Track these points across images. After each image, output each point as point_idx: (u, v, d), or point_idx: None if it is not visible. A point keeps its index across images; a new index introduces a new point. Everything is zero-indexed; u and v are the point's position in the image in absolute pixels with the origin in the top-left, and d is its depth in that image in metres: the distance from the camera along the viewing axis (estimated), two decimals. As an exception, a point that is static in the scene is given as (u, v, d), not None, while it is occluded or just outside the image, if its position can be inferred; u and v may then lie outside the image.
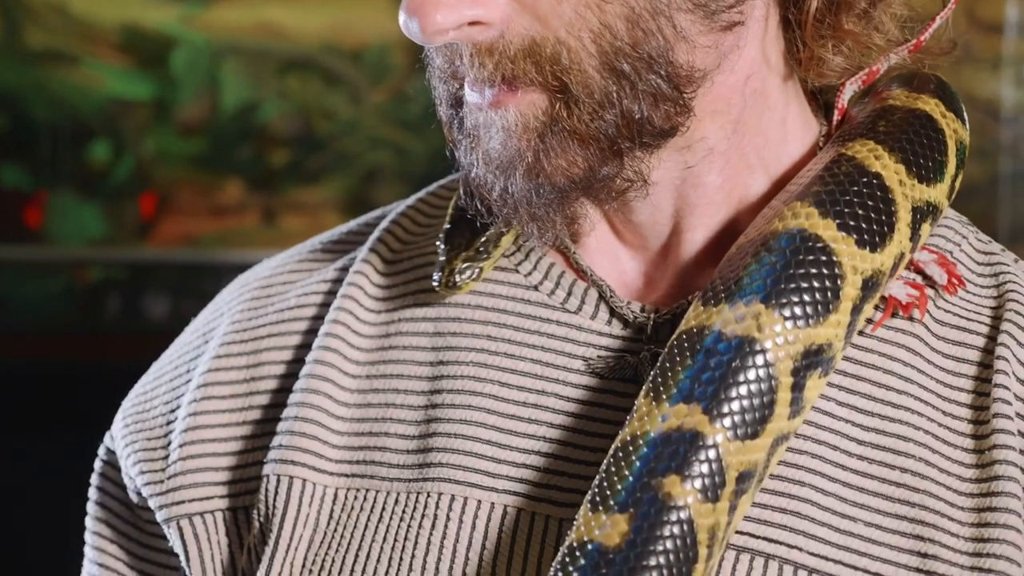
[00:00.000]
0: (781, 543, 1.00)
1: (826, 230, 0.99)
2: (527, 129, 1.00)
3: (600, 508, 0.95)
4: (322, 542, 1.06)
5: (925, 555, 1.00)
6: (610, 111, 0.99)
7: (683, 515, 0.94)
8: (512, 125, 1.00)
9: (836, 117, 1.09)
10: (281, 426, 1.09)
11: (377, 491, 1.06)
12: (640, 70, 0.99)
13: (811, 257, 0.98)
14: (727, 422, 0.96)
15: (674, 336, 1.00)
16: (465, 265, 1.06)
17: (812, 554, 1.00)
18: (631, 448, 0.96)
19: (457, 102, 1.04)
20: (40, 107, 3.95)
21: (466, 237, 1.08)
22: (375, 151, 3.91)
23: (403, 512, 1.05)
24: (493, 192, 1.03)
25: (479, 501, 1.04)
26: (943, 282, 1.05)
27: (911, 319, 1.05)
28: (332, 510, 1.06)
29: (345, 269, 1.15)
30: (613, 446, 0.98)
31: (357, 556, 1.05)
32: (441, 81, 1.04)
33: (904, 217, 1.02)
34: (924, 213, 1.04)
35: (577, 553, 0.94)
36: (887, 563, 1.00)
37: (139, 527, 1.16)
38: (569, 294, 1.08)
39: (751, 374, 0.96)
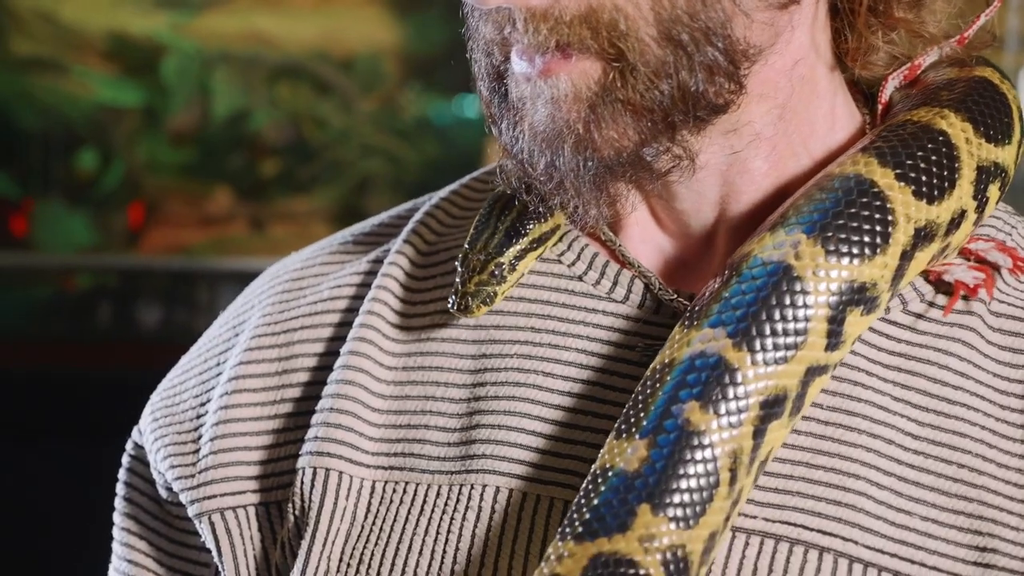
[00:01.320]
0: (836, 536, 0.99)
1: (883, 178, 0.99)
2: (578, 99, 0.98)
3: (624, 435, 0.95)
4: (360, 535, 1.04)
5: (984, 549, 0.99)
6: (666, 82, 0.98)
7: (702, 440, 0.94)
8: (563, 94, 0.98)
9: (880, 110, 1.09)
10: (316, 418, 1.08)
11: (417, 483, 1.04)
12: (698, 41, 0.98)
13: (863, 200, 0.99)
14: (752, 346, 0.96)
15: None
16: (476, 289, 1.04)
17: (867, 547, 0.99)
18: (659, 376, 0.97)
19: (499, 76, 1.02)
20: (27, 115, 3.93)
21: (480, 259, 1.05)
22: (367, 159, 3.89)
23: (445, 504, 1.03)
24: (538, 167, 1.01)
25: (524, 493, 1.02)
26: (1008, 265, 1.05)
27: (979, 300, 1.04)
28: (370, 503, 1.05)
29: (379, 261, 1.13)
30: (644, 374, 0.98)
31: (398, 549, 1.03)
32: (484, 54, 1.03)
33: (968, 175, 1.02)
34: (991, 174, 1.03)
35: (599, 479, 0.95)
36: (944, 557, 0.99)
37: (168, 523, 1.14)
38: (615, 283, 1.06)
39: (784, 299, 0.97)
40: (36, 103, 3.92)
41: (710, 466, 0.95)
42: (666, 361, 0.97)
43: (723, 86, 0.99)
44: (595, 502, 0.94)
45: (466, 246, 1.06)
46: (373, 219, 1.19)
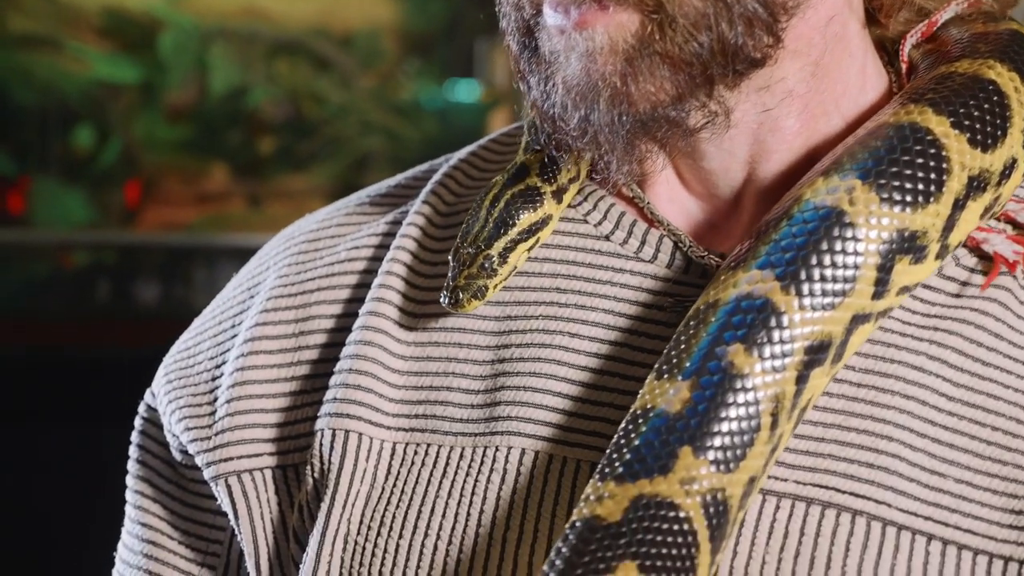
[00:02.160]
0: (869, 498, 0.98)
1: (939, 126, 0.99)
2: (614, 51, 0.97)
3: (666, 376, 0.95)
4: (380, 498, 1.03)
5: (1019, 512, 0.98)
6: (705, 34, 0.97)
7: (745, 384, 0.94)
8: (598, 47, 0.97)
9: (903, 67, 1.08)
10: (334, 379, 1.06)
11: (440, 445, 1.03)
12: None
13: (919, 147, 0.98)
14: (800, 289, 0.95)
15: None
16: (466, 283, 1.02)
17: (901, 510, 0.98)
18: (703, 316, 0.96)
19: (529, 30, 1.01)
20: (24, 92, 3.91)
21: (470, 252, 1.03)
22: (366, 136, 3.88)
23: (468, 466, 1.02)
24: (571, 122, 0.99)
25: (550, 455, 1.01)
26: None
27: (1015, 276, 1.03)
28: (390, 465, 1.03)
29: (396, 223, 1.12)
30: (688, 314, 0.97)
31: (420, 512, 1.02)
32: (514, 7, 1.01)
33: (1018, 123, 1.01)
34: None
35: (640, 420, 0.94)
36: (978, 520, 0.98)
37: (182, 485, 1.13)
38: (643, 243, 1.05)
39: (836, 244, 0.96)
40: (33, 80, 3.91)
41: (752, 410, 0.94)
42: (711, 301, 0.96)
43: (761, 39, 0.98)
44: (636, 443, 0.93)
45: (458, 239, 1.05)
46: (390, 180, 1.17)
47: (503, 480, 1.01)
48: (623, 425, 0.94)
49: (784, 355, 0.95)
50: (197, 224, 3.91)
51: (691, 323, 0.96)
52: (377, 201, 1.15)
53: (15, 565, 3.30)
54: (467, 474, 1.02)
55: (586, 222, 1.06)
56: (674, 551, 0.91)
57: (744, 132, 1.03)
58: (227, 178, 3.93)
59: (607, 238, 1.06)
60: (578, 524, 0.91)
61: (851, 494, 0.97)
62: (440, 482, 1.02)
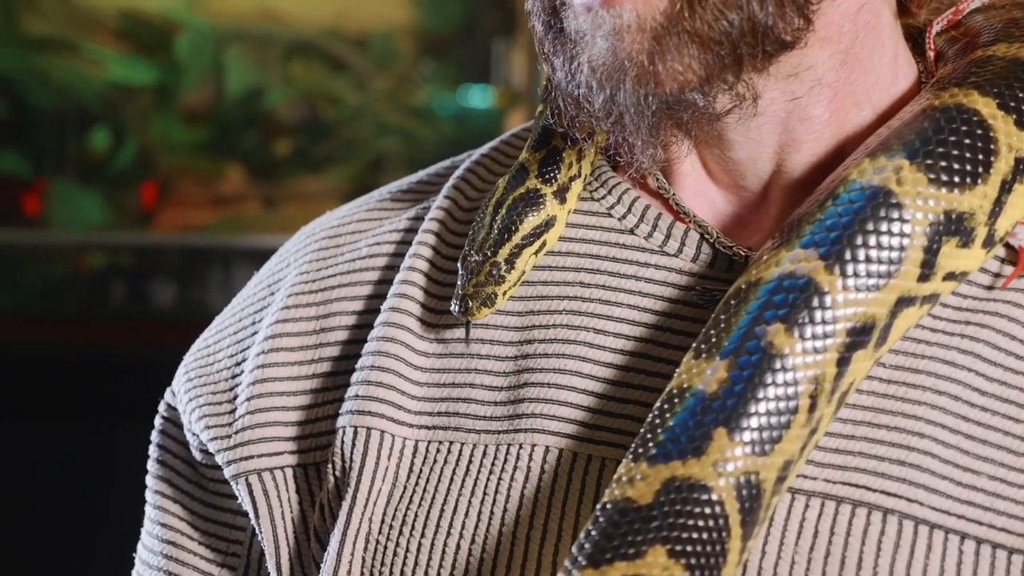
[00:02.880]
0: (900, 497, 0.96)
1: (985, 107, 0.98)
2: (642, 29, 0.96)
3: (704, 355, 0.94)
4: (402, 496, 1.02)
5: None
6: (735, 12, 0.96)
7: (784, 364, 0.92)
8: (625, 25, 0.96)
9: (930, 55, 1.07)
10: (356, 377, 1.05)
11: (463, 443, 1.02)
12: None
13: (966, 128, 0.97)
14: (845, 269, 0.94)
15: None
16: (474, 291, 1.02)
17: (933, 508, 0.96)
18: (744, 295, 0.95)
19: (554, 10, 1.00)
20: (39, 94, 3.91)
21: (477, 260, 1.02)
22: (381, 138, 3.87)
23: (492, 464, 1.01)
24: (595, 102, 0.98)
25: (575, 453, 1.00)
26: None
27: None
28: (412, 463, 1.02)
29: (419, 218, 1.11)
30: (728, 294, 0.96)
31: (443, 511, 1.01)
32: None
33: None
34: None
35: (675, 399, 0.93)
36: (1013, 518, 0.96)
37: (203, 485, 1.12)
38: (667, 236, 1.04)
39: (882, 225, 0.95)
40: (49, 82, 3.91)
41: (790, 391, 0.92)
42: (752, 280, 0.95)
43: (792, 20, 0.97)
44: (670, 423, 0.92)
45: (465, 247, 1.04)
46: (412, 176, 1.16)
47: (527, 478, 1.00)
48: (658, 404, 0.93)
49: (825, 336, 0.93)
50: (213, 225, 3.91)
51: (731, 302, 0.95)
52: (398, 197, 1.14)
53: (29, 563, 3.30)
54: (490, 472, 1.01)
55: (610, 215, 1.05)
56: (705, 535, 0.90)
57: (772, 121, 1.01)
58: (243, 180, 3.93)
59: (631, 232, 1.04)
60: (609, 506, 0.90)
61: (882, 492, 0.96)
62: (463, 480, 1.01)
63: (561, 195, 1.04)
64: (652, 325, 1.01)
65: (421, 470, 1.02)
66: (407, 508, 1.02)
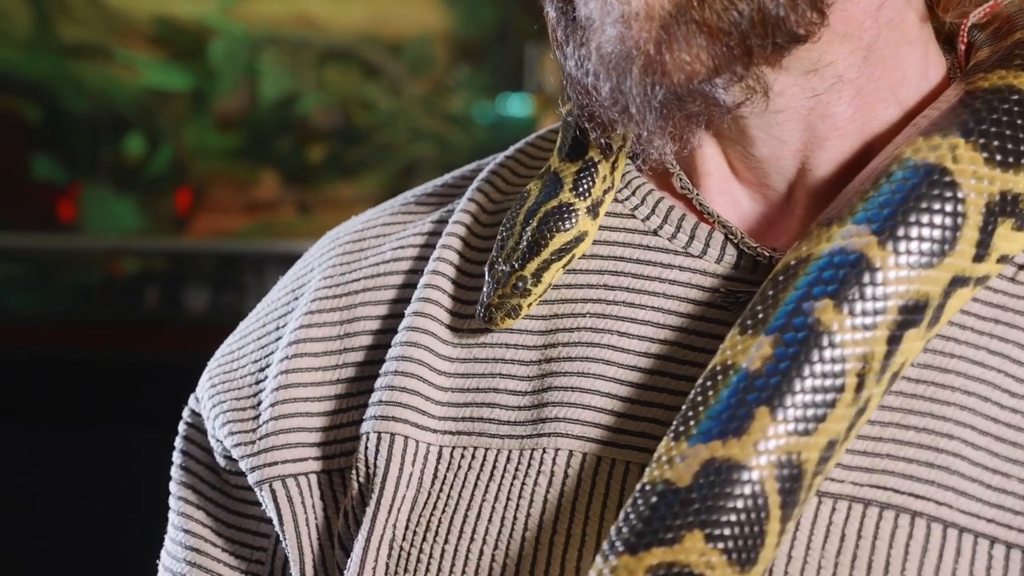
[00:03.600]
0: (928, 499, 0.94)
1: None
2: (650, 17, 0.94)
3: (749, 331, 0.92)
4: (427, 502, 1.01)
5: None
6: (745, 3, 0.94)
7: (832, 341, 0.90)
8: (634, 12, 0.94)
9: (961, 49, 1.05)
10: (380, 382, 1.04)
11: (487, 448, 1.01)
12: None
13: (1018, 108, 0.95)
14: (897, 247, 0.92)
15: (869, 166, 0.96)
16: (500, 302, 1.01)
17: (962, 511, 0.94)
18: (793, 271, 0.93)
19: None
20: (74, 99, 3.92)
21: (504, 270, 1.01)
22: (415, 143, 3.87)
23: (516, 470, 0.99)
24: (602, 90, 0.97)
25: (599, 457, 0.98)
26: None
27: None
28: (437, 469, 1.01)
29: (442, 221, 1.10)
30: (775, 270, 0.94)
31: (466, 516, 1.00)
32: None
33: None
34: None
35: (718, 377, 0.91)
36: None
37: (226, 492, 1.11)
38: (692, 237, 1.02)
39: (936, 203, 0.93)
40: (84, 88, 3.92)
41: (837, 368, 0.90)
42: (803, 256, 0.93)
43: (805, 14, 0.95)
44: (711, 401, 0.90)
45: (493, 253, 1.02)
46: (436, 180, 1.15)
47: (550, 483, 0.98)
48: (700, 381, 0.92)
49: (876, 312, 0.91)
50: (246, 231, 3.92)
51: (779, 278, 0.93)
52: (423, 201, 1.13)
53: (57, 566, 3.30)
54: (514, 477, 0.99)
55: (634, 216, 1.04)
56: (743, 518, 0.88)
57: (793, 118, 1.00)
58: (277, 186, 3.93)
59: (655, 233, 1.03)
60: (647, 488, 0.89)
61: (910, 495, 0.94)
62: (487, 486, 1.00)
63: (594, 210, 1.03)
64: (676, 327, 1.00)
65: (445, 476, 1.01)
66: (431, 514, 1.01)
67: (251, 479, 1.07)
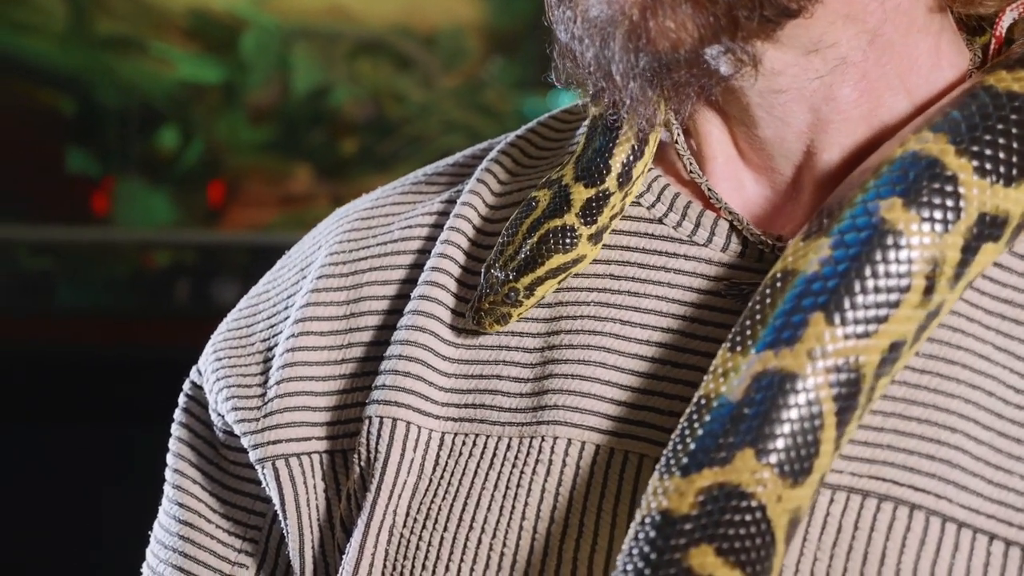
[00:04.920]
0: (928, 492, 0.92)
1: None
2: None
3: (812, 236, 0.89)
4: (427, 489, 1.00)
5: None
6: None
7: (898, 241, 0.87)
8: None
9: (993, 46, 1.02)
10: (384, 365, 1.03)
11: (488, 436, 0.99)
12: None
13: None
14: (984, 164, 0.89)
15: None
16: (490, 308, 1.00)
17: (962, 506, 0.92)
18: (860, 181, 0.90)
19: None
20: (108, 92, 3.93)
21: (498, 277, 1.00)
22: (448, 135, 3.86)
23: (515, 458, 0.98)
24: (587, 55, 0.95)
25: (597, 445, 0.97)
26: None
27: None
28: (438, 455, 1.00)
29: (452, 201, 1.08)
30: (847, 180, 0.92)
31: (465, 504, 0.98)
32: None
33: None
34: None
35: (778, 283, 0.88)
36: None
37: (223, 468, 1.10)
38: (697, 225, 1.00)
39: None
40: (118, 81, 3.93)
41: (902, 268, 0.87)
42: (871, 165, 0.90)
43: None
44: (768, 312, 0.88)
45: (492, 255, 1.01)
46: (447, 159, 1.14)
47: (548, 472, 0.97)
48: (760, 289, 0.91)
49: (950, 219, 0.88)
50: (279, 224, 3.91)
51: (852, 181, 0.91)
52: (433, 180, 1.11)
53: (91, 563, 3.31)
54: (513, 465, 0.98)
55: (640, 204, 1.02)
56: (795, 429, 0.87)
57: (796, 99, 0.98)
58: (311, 179, 3.93)
59: (660, 221, 1.01)
60: (702, 402, 0.88)
61: (910, 487, 0.92)
62: (487, 474, 0.99)
63: (597, 236, 1.01)
64: (680, 316, 0.98)
65: (447, 463, 1.00)
66: (431, 501, 0.99)
67: (253, 456, 1.06)
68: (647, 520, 0.86)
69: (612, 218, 1.01)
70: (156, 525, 1.13)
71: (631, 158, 1.00)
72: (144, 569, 1.13)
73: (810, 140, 0.99)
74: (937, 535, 0.92)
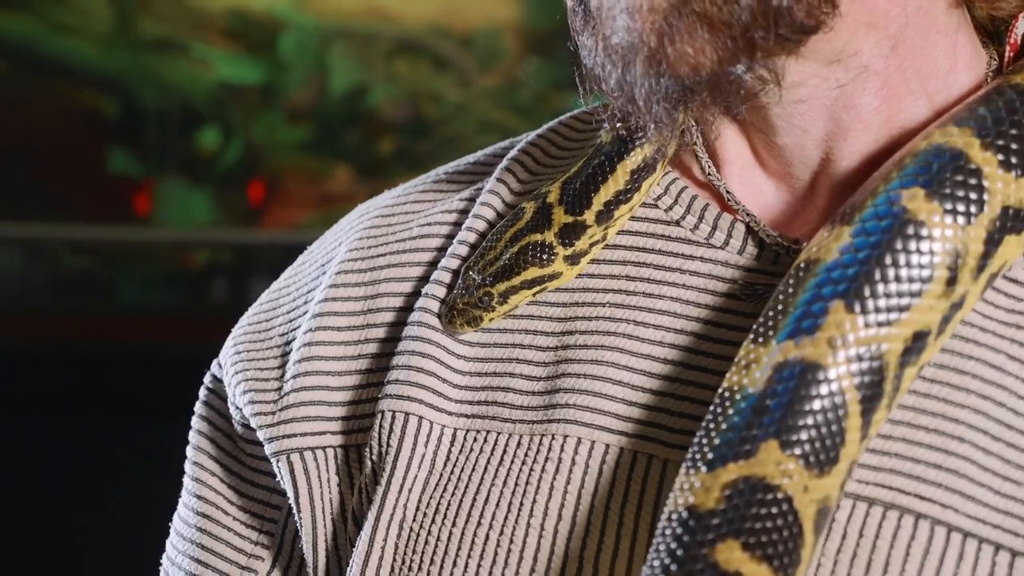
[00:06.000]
0: (934, 501, 0.92)
1: None
2: (653, 9, 0.93)
3: (835, 225, 0.89)
4: (437, 484, 1.00)
5: None
6: None
7: (920, 231, 0.87)
8: (637, 4, 0.94)
9: (1008, 52, 1.02)
10: (397, 360, 1.04)
11: (499, 433, 1.00)
12: None
13: None
14: (1009, 158, 0.89)
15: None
16: (463, 308, 1.01)
17: (968, 516, 0.92)
18: (886, 172, 0.90)
19: None
20: (149, 93, 3.95)
21: (475, 280, 1.02)
22: (484, 135, 3.87)
23: (525, 455, 0.99)
24: (609, 81, 0.96)
25: (607, 445, 0.97)
26: None
27: None
28: (450, 451, 1.01)
29: (471, 200, 1.09)
30: (877, 172, 0.92)
31: (475, 501, 0.99)
32: None
33: None
34: None
35: (801, 274, 0.88)
36: None
37: (241, 460, 1.11)
38: (714, 228, 1.01)
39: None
40: (160, 82, 3.95)
41: (924, 259, 0.87)
42: (898, 159, 0.91)
43: (813, 4, 0.93)
44: (790, 302, 0.88)
45: (472, 257, 1.03)
46: (468, 157, 1.15)
47: (557, 470, 0.98)
48: (784, 280, 0.91)
49: (973, 211, 0.88)
50: (315, 222, 3.93)
51: (873, 182, 0.91)
52: (454, 178, 1.13)
53: (136, 557, 3.33)
54: (523, 463, 0.99)
55: (657, 206, 1.03)
56: (819, 419, 0.87)
57: (816, 108, 0.98)
58: (350, 179, 3.94)
59: (678, 223, 1.02)
60: (725, 395, 0.88)
61: (916, 496, 0.92)
62: (496, 470, 0.99)
63: (575, 259, 1.02)
64: (694, 318, 0.99)
65: (457, 459, 1.01)
66: (441, 496, 1.00)
67: (268, 450, 1.07)
68: (673, 516, 0.86)
69: (592, 245, 1.02)
70: (175, 517, 1.14)
71: (617, 198, 1.01)
72: (164, 560, 1.14)
73: (829, 147, 1.00)
74: (942, 544, 0.92)
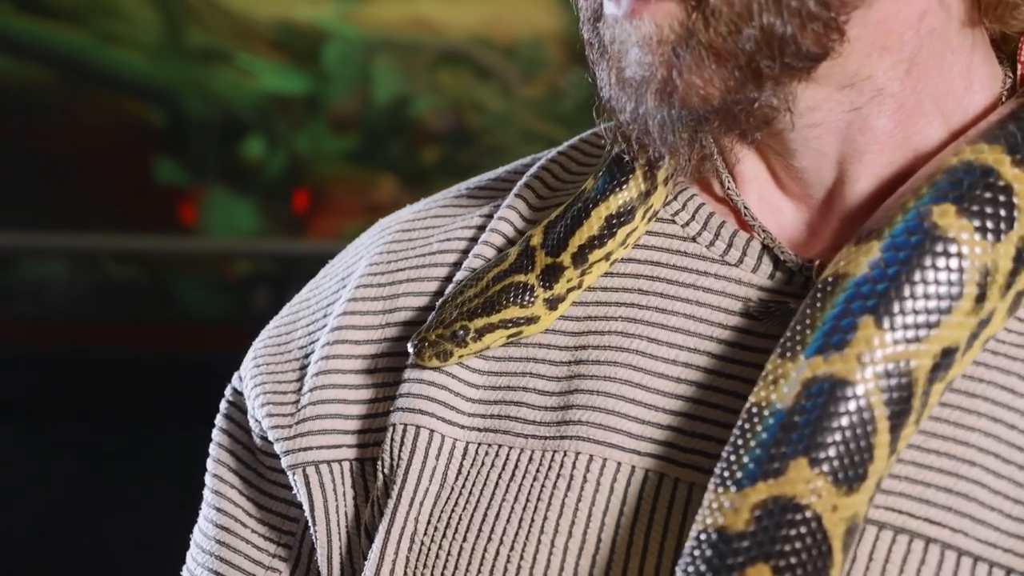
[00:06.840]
0: (944, 526, 0.92)
1: None
2: (662, 42, 0.94)
3: (864, 240, 0.89)
4: (448, 497, 1.01)
5: None
6: (750, 25, 0.93)
7: (949, 248, 0.87)
8: (647, 36, 0.94)
9: (1021, 70, 1.01)
10: (409, 374, 1.04)
11: (511, 447, 1.00)
12: None
13: None
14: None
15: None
16: (435, 340, 1.01)
17: (978, 540, 0.92)
18: (915, 186, 0.90)
19: (597, 19, 0.99)
20: (196, 103, 3.98)
21: (453, 314, 1.02)
22: (527, 145, 3.88)
23: (537, 471, 0.99)
24: (624, 113, 0.97)
25: (619, 463, 0.97)
26: None
27: None
28: (461, 465, 1.01)
29: (490, 216, 1.09)
30: (905, 186, 0.92)
31: (486, 515, 0.99)
32: None
33: None
34: None
35: (829, 288, 0.88)
36: None
37: (260, 473, 1.12)
38: (729, 245, 1.01)
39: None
40: (206, 92, 3.98)
41: (953, 276, 0.87)
42: (926, 174, 0.91)
43: (818, 33, 0.94)
44: (818, 317, 0.88)
45: (450, 291, 1.03)
46: (490, 173, 1.16)
47: (569, 487, 0.98)
48: (811, 293, 0.91)
49: (1003, 228, 0.88)
50: (357, 232, 3.95)
51: (901, 196, 0.91)
52: (475, 194, 1.13)
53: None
54: (534, 479, 0.99)
55: (674, 222, 1.03)
56: (849, 435, 0.86)
57: (832, 131, 0.98)
58: (394, 188, 3.96)
59: (694, 239, 1.02)
60: (753, 412, 0.88)
61: (925, 520, 0.92)
62: (508, 485, 1.00)
63: (553, 303, 1.02)
64: (707, 336, 0.99)
65: (469, 472, 1.01)
66: (452, 510, 1.01)
67: (285, 463, 1.08)
68: (703, 537, 0.86)
69: (569, 291, 1.02)
70: (196, 528, 1.15)
71: (592, 242, 1.02)
72: (184, 572, 1.15)
73: (844, 168, 1.00)
74: (952, 569, 0.92)
